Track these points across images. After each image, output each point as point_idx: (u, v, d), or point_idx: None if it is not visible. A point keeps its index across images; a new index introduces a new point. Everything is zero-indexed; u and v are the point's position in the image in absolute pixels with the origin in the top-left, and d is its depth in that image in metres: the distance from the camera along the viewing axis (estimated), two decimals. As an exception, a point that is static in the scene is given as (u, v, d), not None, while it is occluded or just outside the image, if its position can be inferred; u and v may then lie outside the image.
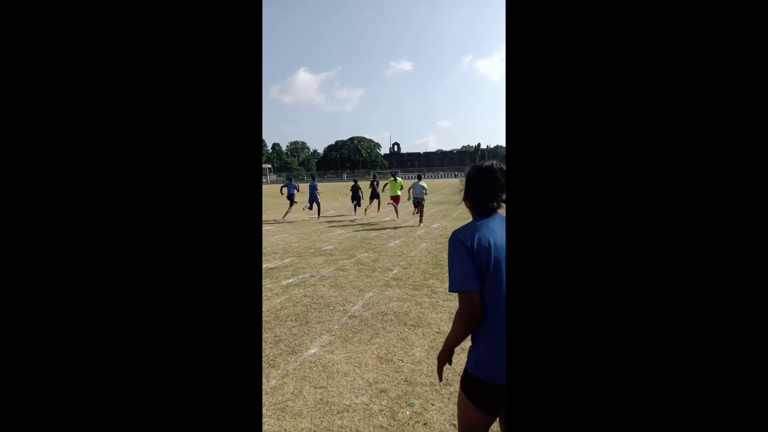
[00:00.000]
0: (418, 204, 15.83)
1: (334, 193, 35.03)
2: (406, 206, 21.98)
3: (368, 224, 15.50)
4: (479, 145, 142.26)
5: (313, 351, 4.84)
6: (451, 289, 2.11)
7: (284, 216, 19.07)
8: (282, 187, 20.97)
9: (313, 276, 8.19)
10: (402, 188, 18.30)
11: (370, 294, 6.92)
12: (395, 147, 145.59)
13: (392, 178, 18.33)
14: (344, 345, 4.98)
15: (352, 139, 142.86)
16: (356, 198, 20.22)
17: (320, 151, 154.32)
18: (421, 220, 15.43)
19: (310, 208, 19.31)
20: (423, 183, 16.40)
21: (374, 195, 19.98)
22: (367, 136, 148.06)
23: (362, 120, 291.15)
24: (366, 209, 19.43)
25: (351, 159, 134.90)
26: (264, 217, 19.65)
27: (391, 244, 11.36)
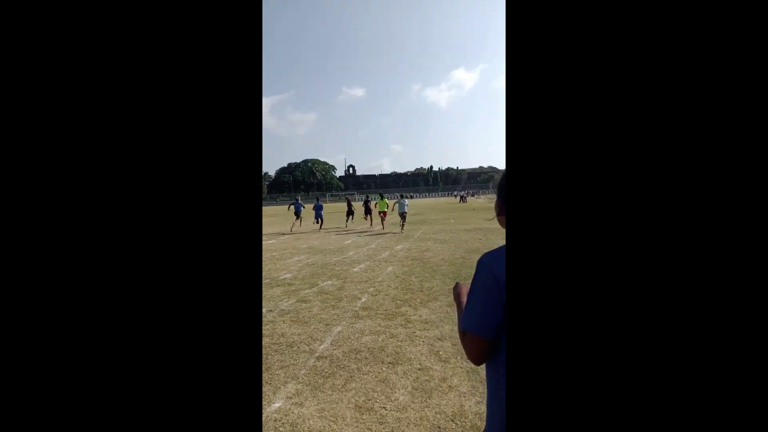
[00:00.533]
0: (403, 216, 21.79)
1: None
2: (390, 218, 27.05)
3: (332, 249, 14.83)
4: (431, 167, 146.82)
5: (277, 405, 4.14)
6: (462, 327, 1.69)
7: (291, 228, 24.40)
8: (290, 205, 28.01)
9: (270, 311, 7.42)
10: (388, 206, 24.11)
11: (339, 328, 6.25)
12: (350, 169, 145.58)
13: (380, 198, 24.30)
14: (315, 394, 4.30)
15: (305, 162, 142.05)
16: (350, 213, 26.51)
17: (271, 173, 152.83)
18: (402, 228, 20.81)
19: (316, 222, 24.89)
20: (406, 200, 22.62)
21: (367, 211, 25.65)
22: (321, 159, 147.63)
23: (316, 143, 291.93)
24: (371, 221, 25.20)
25: (305, 181, 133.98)
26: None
27: (355, 269, 10.74)
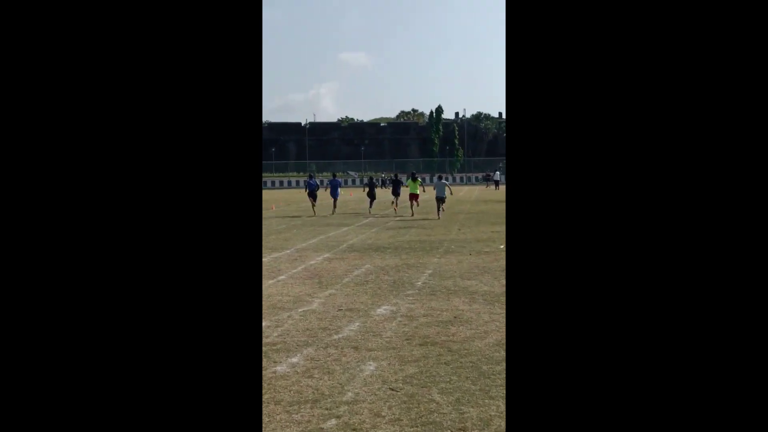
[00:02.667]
0: (440, 201, 19.94)
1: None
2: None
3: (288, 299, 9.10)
4: (438, 110, 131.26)
5: None
6: None
7: (314, 211, 22.40)
8: (305, 184, 26.31)
9: None
10: (420, 189, 22.28)
11: None
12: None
13: (411, 180, 21.69)
14: None
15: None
16: (372, 196, 23.76)
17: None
18: (439, 216, 19.46)
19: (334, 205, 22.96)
20: (445, 182, 20.56)
21: (396, 193, 23.06)
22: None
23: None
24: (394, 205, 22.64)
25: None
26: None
27: (281, 369, 4.99)
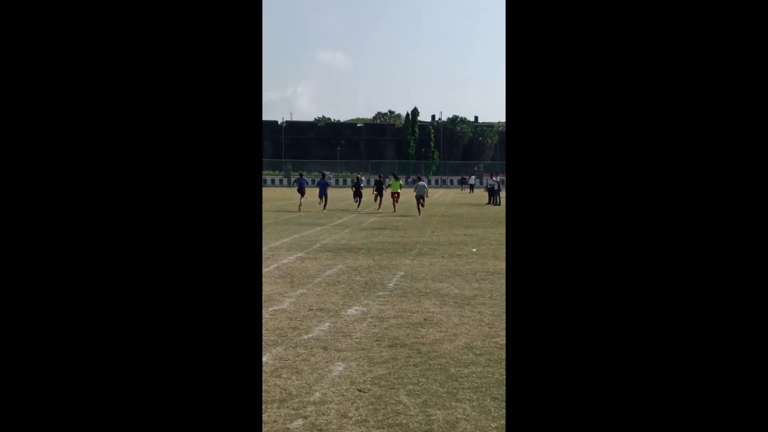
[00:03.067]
0: (420, 198, 22.01)
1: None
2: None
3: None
4: (414, 112, 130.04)
5: None
6: None
7: (299, 207, 23.99)
8: (294, 181, 26.58)
9: None
10: (401, 187, 24.47)
11: None
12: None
13: (393, 179, 24.55)
14: None
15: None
16: (358, 195, 25.54)
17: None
18: (420, 213, 21.31)
19: (321, 201, 24.43)
20: (423, 182, 23.15)
21: (379, 191, 24.84)
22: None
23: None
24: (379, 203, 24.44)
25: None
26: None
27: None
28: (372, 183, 35.72)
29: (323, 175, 26.54)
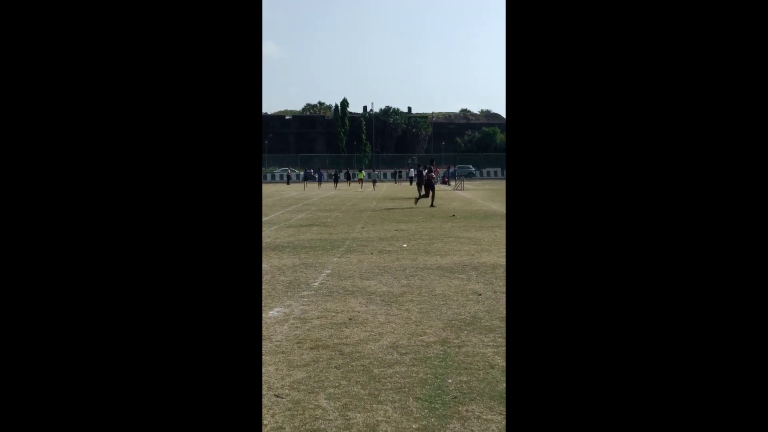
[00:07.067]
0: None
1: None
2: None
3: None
4: (342, 104, 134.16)
5: None
6: None
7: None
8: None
9: None
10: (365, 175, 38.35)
11: None
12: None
13: (359, 171, 32.02)
14: None
15: None
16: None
17: None
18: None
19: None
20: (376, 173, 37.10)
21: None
22: None
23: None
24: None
25: None
26: None
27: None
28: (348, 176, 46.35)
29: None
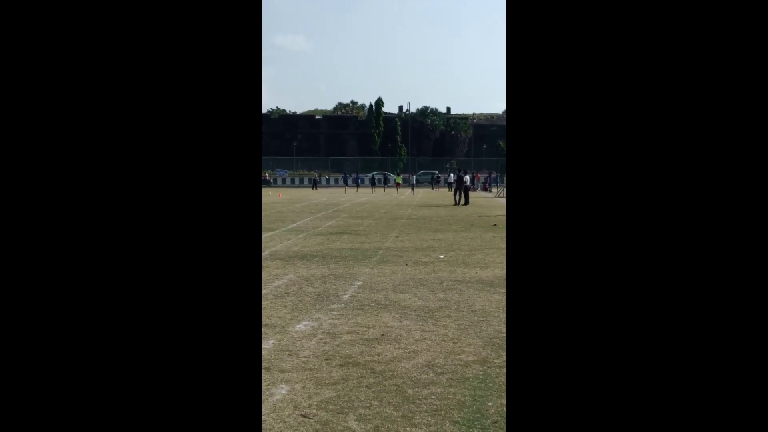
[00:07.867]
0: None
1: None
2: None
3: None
4: (378, 103, 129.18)
5: None
6: None
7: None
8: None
9: None
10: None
11: None
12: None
13: (397, 175, 34.68)
14: None
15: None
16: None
17: None
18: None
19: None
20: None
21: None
22: None
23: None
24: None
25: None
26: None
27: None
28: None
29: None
